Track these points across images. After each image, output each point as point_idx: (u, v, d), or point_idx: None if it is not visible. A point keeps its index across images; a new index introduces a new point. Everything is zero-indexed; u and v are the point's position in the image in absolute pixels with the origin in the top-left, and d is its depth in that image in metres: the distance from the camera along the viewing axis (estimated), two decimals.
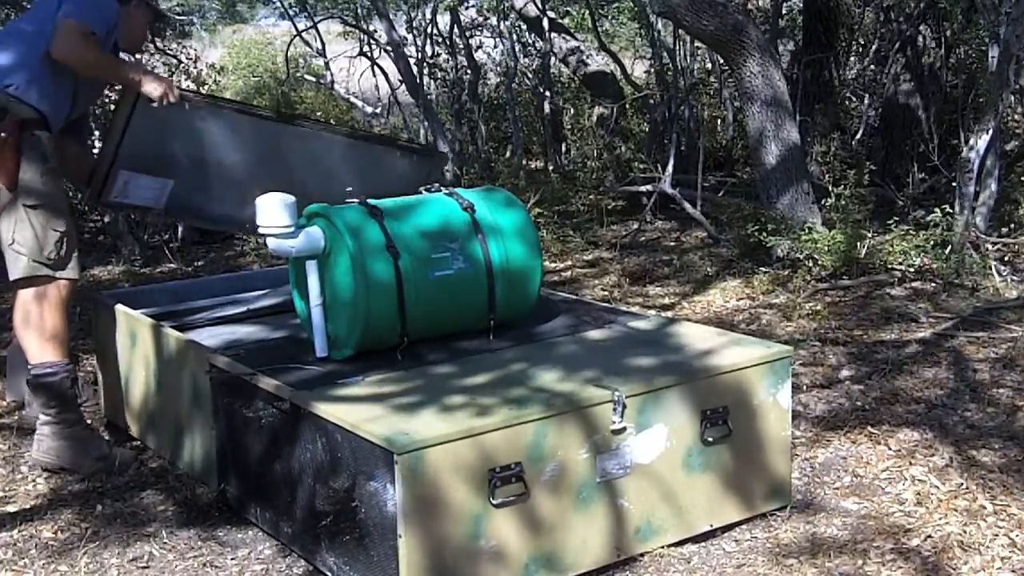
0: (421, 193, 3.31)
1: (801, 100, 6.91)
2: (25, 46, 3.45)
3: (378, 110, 9.67)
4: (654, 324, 3.28)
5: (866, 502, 3.01)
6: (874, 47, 8.49)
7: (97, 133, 6.44)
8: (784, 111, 5.74)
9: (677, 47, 8.29)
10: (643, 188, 7.12)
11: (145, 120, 3.67)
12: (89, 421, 3.66)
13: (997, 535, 2.77)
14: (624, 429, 2.61)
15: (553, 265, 6.23)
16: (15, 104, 3.38)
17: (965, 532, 2.79)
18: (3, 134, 3.34)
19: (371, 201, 3.09)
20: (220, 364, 2.99)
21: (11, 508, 3.19)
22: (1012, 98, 6.70)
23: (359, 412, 2.51)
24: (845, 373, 4.07)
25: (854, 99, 8.79)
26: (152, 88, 3.59)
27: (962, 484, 3.07)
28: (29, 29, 3.53)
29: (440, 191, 3.26)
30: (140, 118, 3.66)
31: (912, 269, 5.29)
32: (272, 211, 2.93)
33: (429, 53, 9.52)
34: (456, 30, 9.59)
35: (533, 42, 9.72)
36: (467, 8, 9.89)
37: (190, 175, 3.90)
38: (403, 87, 8.34)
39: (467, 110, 9.36)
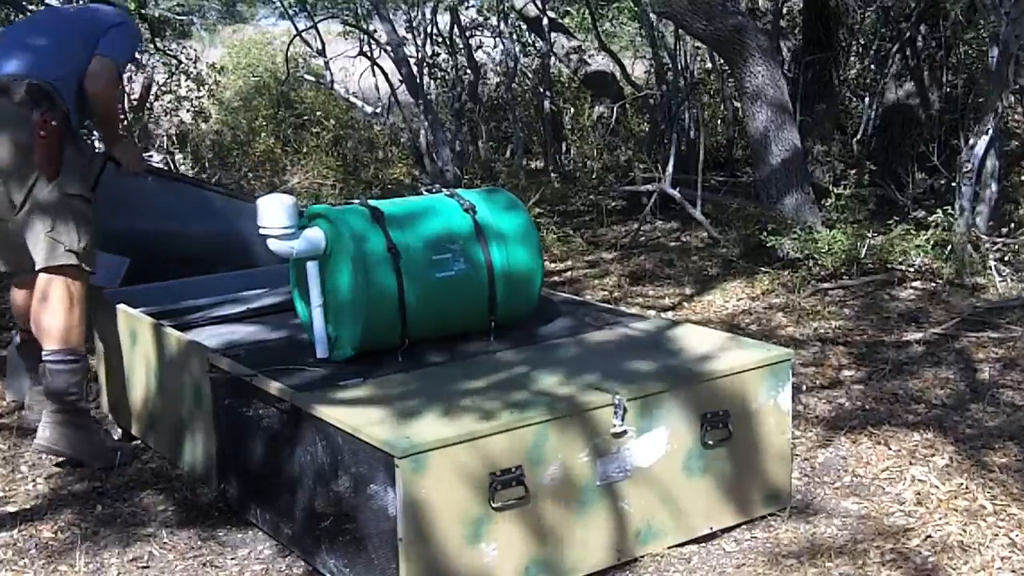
0: (423, 194, 3.31)
1: (801, 100, 6.91)
2: (67, 51, 3.52)
3: (378, 110, 9.67)
4: (655, 326, 3.28)
5: (866, 502, 3.02)
6: (874, 47, 8.49)
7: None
8: (784, 111, 5.74)
9: (677, 47, 8.29)
10: (643, 188, 7.12)
11: (106, 191, 3.74)
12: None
13: (997, 535, 2.77)
14: (625, 432, 2.61)
15: (554, 265, 6.23)
16: (57, 97, 3.42)
17: (965, 532, 2.79)
18: (53, 123, 3.35)
19: (372, 202, 3.09)
20: (221, 364, 3.00)
21: (11, 508, 3.19)
22: (1012, 98, 6.70)
23: (360, 415, 2.51)
24: (845, 373, 4.07)
25: (854, 99, 8.79)
26: (123, 153, 3.80)
27: (962, 484, 3.07)
28: (73, 37, 3.59)
29: (441, 192, 3.26)
30: (103, 187, 3.73)
31: (912, 269, 5.30)
32: (273, 212, 2.93)
33: (429, 53, 9.51)
34: (456, 30, 9.59)
35: (533, 42, 9.72)
36: (467, 8, 9.89)
37: (144, 256, 3.93)
38: (403, 87, 8.34)
39: (467, 110, 9.37)
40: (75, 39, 3.56)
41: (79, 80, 3.48)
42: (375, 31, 9.34)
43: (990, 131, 5.46)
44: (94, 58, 3.50)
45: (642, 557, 2.70)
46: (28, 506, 3.20)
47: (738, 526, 2.87)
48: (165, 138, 8.11)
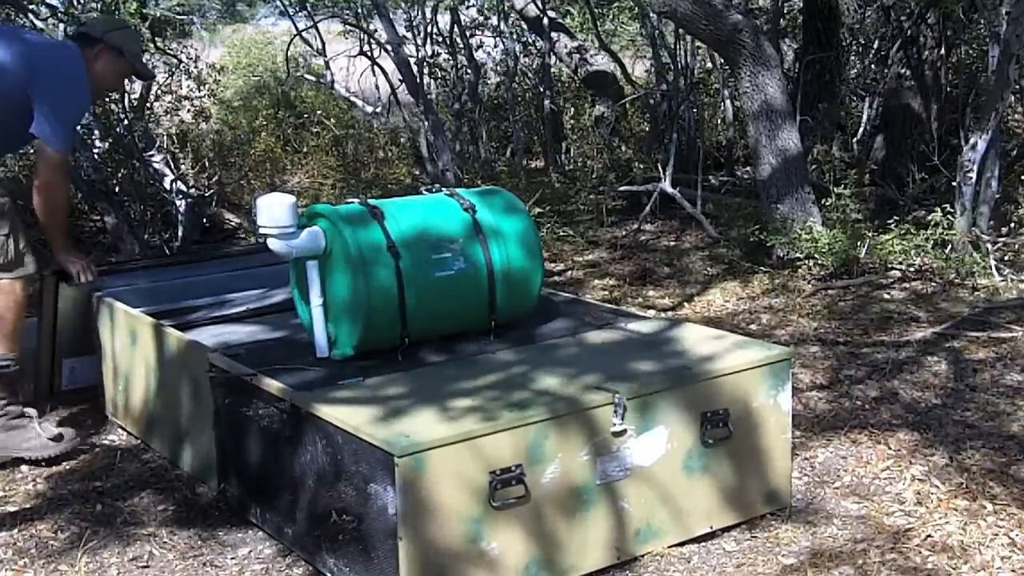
0: (423, 194, 3.31)
1: (802, 100, 6.91)
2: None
3: (378, 109, 9.66)
4: (654, 325, 3.28)
5: (866, 502, 3.02)
6: (875, 47, 8.49)
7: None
8: (784, 111, 5.74)
9: (677, 47, 8.29)
10: (644, 188, 7.12)
11: (66, 303, 3.75)
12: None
13: (997, 535, 2.77)
14: (624, 431, 2.61)
15: (553, 265, 6.23)
16: None
17: (965, 532, 2.79)
18: None
19: (372, 201, 3.09)
20: (220, 364, 3.00)
21: (11, 508, 3.19)
22: (1012, 98, 6.70)
23: (359, 414, 2.51)
24: (845, 373, 4.07)
25: (854, 99, 8.79)
26: (73, 263, 3.62)
27: (962, 484, 3.07)
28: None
29: (441, 192, 3.26)
30: (63, 302, 3.74)
31: (912, 269, 5.30)
32: (273, 211, 2.93)
33: (429, 53, 9.51)
34: (456, 30, 9.59)
35: (533, 42, 9.73)
36: (468, 8, 9.89)
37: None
38: (403, 87, 8.34)
39: (467, 110, 9.36)
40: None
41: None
42: (375, 30, 9.34)
43: (990, 131, 5.46)
44: (37, 145, 3.31)
45: (642, 556, 2.70)
46: (28, 506, 3.20)
47: (738, 525, 2.87)
48: (166, 138, 8.09)
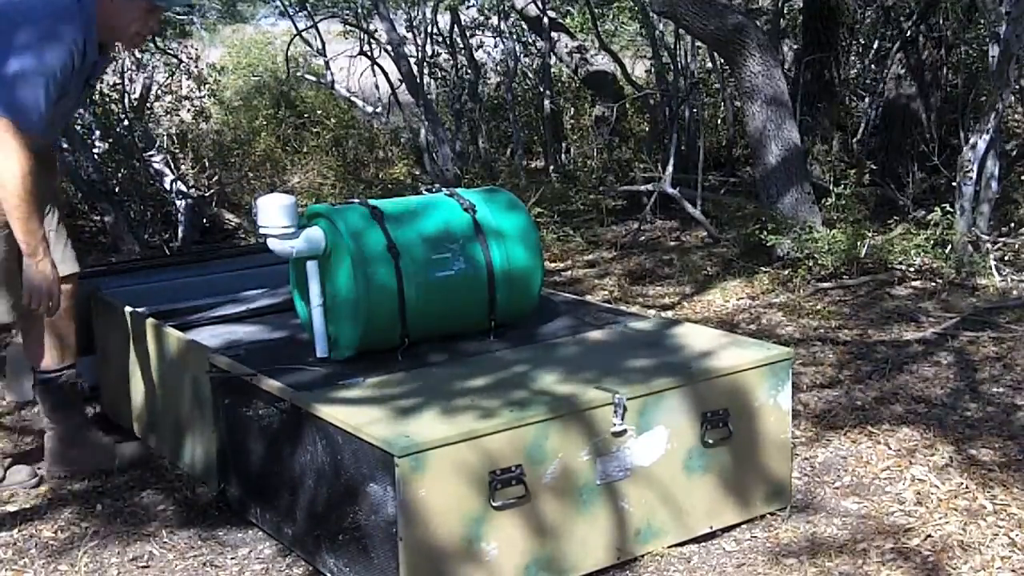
0: (423, 194, 3.31)
1: (801, 100, 6.91)
2: None
3: (378, 109, 9.67)
4: (654, 325, 3.28)
5: (866, 502, 3.02)
6: (874, 47, 8.49)
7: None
8: (784, 111, 5.74)
9: (677, 47, 8.29)
10: (643, 188, 7.12)
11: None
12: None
13: (997, 535, 2.77)
14: (625, 431, 2.61)
15: (553, 265, 6.23)
16: None
17: (965, 532, 2.80)
18: None
19: (372, 202, 3.09)
20: (221, 364, 3.00)
21: (11, 508, 3.19)
22: (1012, 98, 6.69)
23: (359, 414, 2.51)
24: (845, 372, 4.07)
25: (854, 99, 8.79)
26: (31, 277, 2.90)
27: (962, 484, 3.07)
28: None
29: (441, 191, 3.26)
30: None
31: (912, 269, 5.30)
32: (272, 211, 2.93)
33: (429, 52, 9.52)
34: (456, 29, 9.59)
35: (533, 41, 9.73)
36: (468, 8, 9.90)
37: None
38: (403, 86, 8.35)
39: (467, 110, 9.37)
40: None
41: None
42: (375, 30, 9.35)
43: (990, 131, 5.46)
44: None
45: (642, 556, 2.70)
46: (28, 506, 3.21)
47: (738, 525, 2.87)
48: (165, 138, 8.10)
